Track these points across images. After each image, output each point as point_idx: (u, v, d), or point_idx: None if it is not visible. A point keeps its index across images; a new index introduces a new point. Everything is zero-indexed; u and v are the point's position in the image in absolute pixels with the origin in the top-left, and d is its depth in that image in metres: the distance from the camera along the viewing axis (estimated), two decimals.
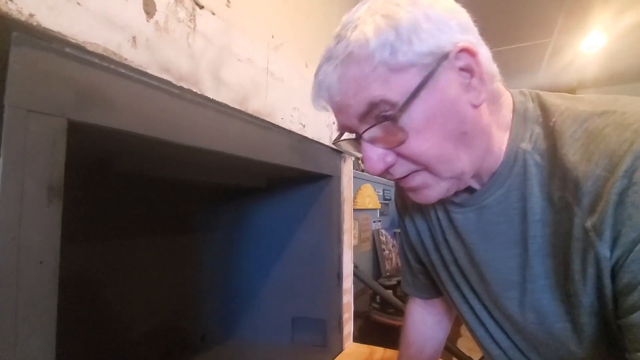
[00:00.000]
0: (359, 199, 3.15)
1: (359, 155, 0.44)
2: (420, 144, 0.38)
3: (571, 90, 3.94)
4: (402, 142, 0.38)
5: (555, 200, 0.38)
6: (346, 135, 0.45)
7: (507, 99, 0.44)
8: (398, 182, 0.43)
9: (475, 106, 0.39)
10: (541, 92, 0.44)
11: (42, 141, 0.38)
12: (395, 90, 0.36)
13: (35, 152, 0.37)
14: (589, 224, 0.34)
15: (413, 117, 0.37)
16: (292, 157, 0.85)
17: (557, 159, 0.37)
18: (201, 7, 0.58)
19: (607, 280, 0.34)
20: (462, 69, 0.38)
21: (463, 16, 0.39)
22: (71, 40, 0.40)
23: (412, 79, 0.36)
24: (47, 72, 0.38)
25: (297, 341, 1.11)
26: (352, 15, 0.39)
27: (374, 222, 3.67)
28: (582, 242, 0.35)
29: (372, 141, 0.39)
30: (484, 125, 0.40)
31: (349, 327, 1.16)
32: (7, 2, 0.34)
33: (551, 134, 0.39)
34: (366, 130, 0.38)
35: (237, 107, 0.66)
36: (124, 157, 0.68)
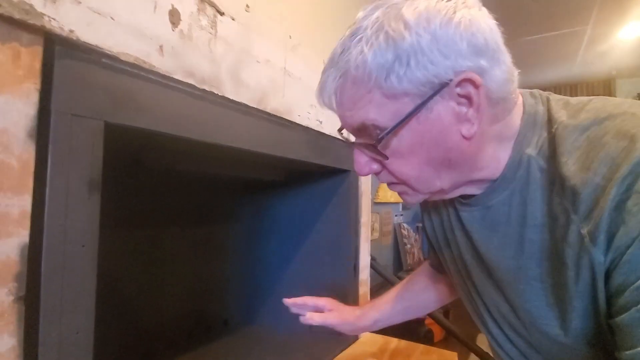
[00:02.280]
0: (380, 193, 3.15)
1: None
2: (400, 166, 0.40)
3: (610, 80, 3.73)
4: (383, 160, 0.41)
5: (554, 205, 0.38)
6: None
7: (518, 104, 0.43)
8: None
9: (466, 138, 0.39)
10: (551, 97, 0.44)
11: (84, 141, 0.43)
12: (386, 115, 0.37)
13: (78, 151, 0.42)
14: (584, 230, 0.35)
15: (399, 142, 0.39)
16: (309, 152, 0.89)
17: (557, 166, 0.38)
18: (222, 14, 0.62)
19: (601, 284, 0.35)
20: (461, 96, 0.37)
21: (481, 36, 0.36)
22: (107, 51, 0.45)
23: (403, 107, 0.37)
24: (86, 80, 0.43)
25: (314, 329, 1.15)
26: (363, 20, 0.38)
27: (396, 216, 3.66)
28: (577, 248, 0.36)
29: (362, 149, 0.42)
30: (473, 152, 0.40)
31: None
32: (50, 21, 0.39)
33: (553, 141, 0.39)
34: (357, 142, 0.42)
35: (255, 106, 0.70)
36: (154, 154, 0.74)
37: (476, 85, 0.36)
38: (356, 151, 0.43)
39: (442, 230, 0.56)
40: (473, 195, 0.46)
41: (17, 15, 0.36)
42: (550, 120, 0.41)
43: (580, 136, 0.37)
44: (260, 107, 0.71)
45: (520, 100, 0.44)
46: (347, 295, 1.12)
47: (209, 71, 0.60)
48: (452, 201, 0.51)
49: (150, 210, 0.98)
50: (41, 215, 0.39)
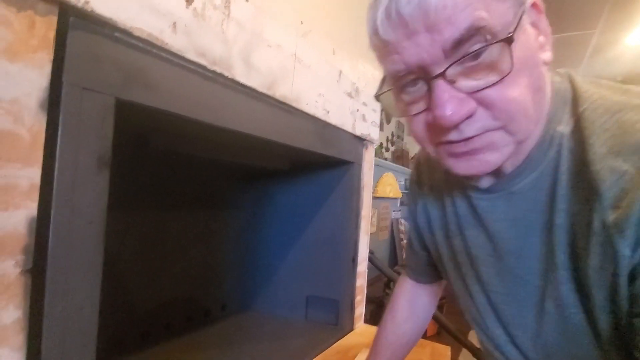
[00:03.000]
0: (379, 188, 3.15)
1: (402, 117, 0.39)
2: (512, 90, 0.33)
3: None
4: (502, 77, 0.32)
5: (580, 190, 0.36)
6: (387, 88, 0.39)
7: (547, 79, 0.40)
8: (452, 146, 0.37)
9: (546, 63, 0.36)
10: (574, 75, 0.41)
11: (94, 116, 0.42)
12: (495, 18, 0.31)
13: (88, 125, 0.42)
14: (610, 219, 0.32)
15: (509, 57, 0.31)
16: (314, 142, 0.88)
17: (583, 148, 0.35)
18: None
19: (623, 279, 0.33)
20: (531, 24, 0.35)
21: None
22: (120, 25, 0.44)
23: (507, 11, 0.32)
24: (99, 54, 0.43)
25: (310, 318, 1.16)
26: None
27: (394, 211, 3.67)
28: (601, 237, 0.33)
29: (452, 81, 0.33)
30: (547, 88, 0.38)
31: (360, 309, 1.20)
32: None
33: (579, 121, 0.37)
34: (455, 62, 0.32)
35: (265, 91, 0.69)
36: (159, 136, 0.73)
37: (539, 11, 0.36)
38: (445, 87, 0.33)
39: (440, 223, 0.53)
40: (493, 181, 0.43)
41: None
42: (576, 99, 0.38)
43: (611, 118, 0.34)
44: (270, 93, 0.71)
45: (548, 76, 0.41)
46: (344, 286, 1.13)
47: (220, 52, 0.59)
48: (463, 190, 0.48)
49: (152, 193, 0.97)
50: (50, 188, 0.39)
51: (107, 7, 0.42)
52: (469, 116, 0.34)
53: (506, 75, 0.32)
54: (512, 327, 0.47)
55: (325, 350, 0.99)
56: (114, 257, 0.87)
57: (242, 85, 0.64)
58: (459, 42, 0.31)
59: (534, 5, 0.35)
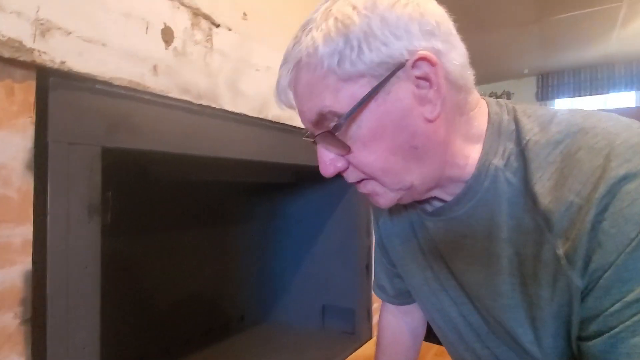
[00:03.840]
0: None
1: None
2: (365, 156, 0.37)
3: None
4: (346, 153, 0.38)
5: (524, 221, 0.37)
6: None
7: (482, 109, 0.42)
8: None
9: (430, 120, 0.37)
10: (517, 107, 0.42)
11: (81, 168, 0.45)
12: (343, 101, 0.36)
13: (76, 177, 0.44)
14: (561, 251, 0.34)
15: (359, 129, 0.36)
16: (315, 155, 0.88)
17: (529, 181, 0.37)
18: (217, 26, 0.62)
19: (576, 308, 0.34)
20: (419, 78, 0.36)
21: (431, 18, 0.36)
22: (99, 78, 0.46)
23: (360, 90, 0.35)
24: (81, 108, 0.45)
25: (327, 327, 1.17)
26: (312, 14, 0.38)
27: None
28: (552, 268, 0.35)
29: (325, 146, 0.39)
30: (439, 139, 0.38)
31: (378, 317, 1.20)
32: (40, 55, 0.40)
33: (522, 154, 0.38)
34: (318, 135, 0.38)
35: (256, 115, 0.70)
36: (164, 167, 0.76)
37: (433, 64, 0.35)
38: (319, 149, 0.40)
39: (404, 239, 0.54)
40: (439, 205, 0.45)
41: (6, 54, 0.37)
42: (519, 133, 0.39)
43: (554, 150, 0.36)
44: (262, 116, 0.71)
45: (485, 106, 0.42)
46: (359, 294, 1.13)
47: (205, 85, 0.60)
48: (416, 209, 0.49)
49: (170, 216, 1.01)
50: (43, 242, 0.41)
51: (85, 63, 0.44)
52: (344, 170, 0.40)
53: (348, 152, 0.37)
54: (485, 337, 0.47)
55: None
56: (135, 277, 0.92)
57: (231, 113, 0.65)
58: (316, 122, 0.38)
59: (422, 59, 0.35)
